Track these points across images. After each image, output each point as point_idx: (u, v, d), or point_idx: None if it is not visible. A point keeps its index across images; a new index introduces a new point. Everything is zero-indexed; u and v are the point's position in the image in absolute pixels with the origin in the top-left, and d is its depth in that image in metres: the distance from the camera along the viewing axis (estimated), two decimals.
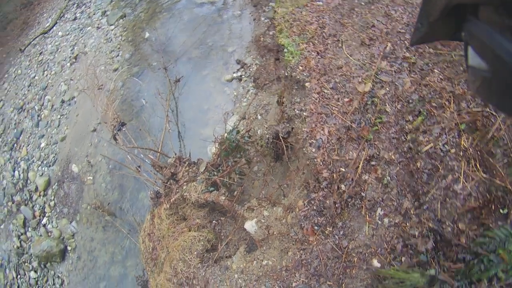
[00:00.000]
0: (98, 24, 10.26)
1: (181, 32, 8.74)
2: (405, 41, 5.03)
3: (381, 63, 4.79)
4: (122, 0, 10.62)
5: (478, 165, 3.43)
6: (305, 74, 5.31)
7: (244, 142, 5.36)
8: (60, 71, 9.93)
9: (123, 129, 6.78)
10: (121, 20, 9.95)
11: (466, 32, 0.66)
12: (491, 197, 3.27)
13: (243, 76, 7.17)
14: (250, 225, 4.37)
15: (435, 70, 4.45)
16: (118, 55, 9.10)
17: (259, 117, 6.18)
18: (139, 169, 6.56)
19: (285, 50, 5.91)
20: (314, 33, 5.75)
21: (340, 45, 5.37)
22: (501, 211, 3.21)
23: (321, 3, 6.23)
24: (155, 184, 6.12)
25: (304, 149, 4.60)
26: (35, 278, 8.28)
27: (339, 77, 4.95)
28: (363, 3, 5.84)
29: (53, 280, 8.05)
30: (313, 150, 4.50)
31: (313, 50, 5.56)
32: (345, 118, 4.48)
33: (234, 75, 7.26)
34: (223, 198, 4.78)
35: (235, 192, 4.99)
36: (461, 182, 3.43)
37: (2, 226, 9.13)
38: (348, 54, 5.18)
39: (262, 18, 7.67)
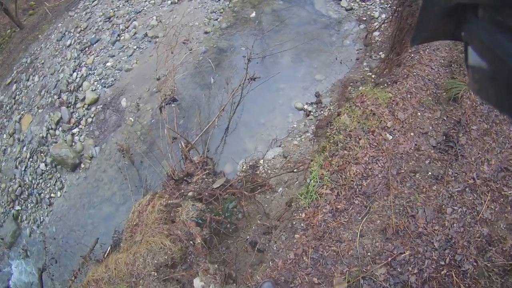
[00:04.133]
0: None
1: (285, 31, 8.72)
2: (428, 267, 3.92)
3: (378, 270, 3.92)
4: None
5: None
6: (302, 225, 4.47)
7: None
8: (159, 4, 10.34)
9: (172, 104, 7.09)
10: None
11: (466, 32, 0.68)
12: None
13: (312, 113, 7.11)
14: (197, 282, 4.69)
15: None
16: (216, 19, 9.31)
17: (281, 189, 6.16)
18: (172, 141, 6.96)
19: (309, 180, 4.80)
20: (349, 180, 4.52)
21: (362, 215, 4.33)
22: None
23: (390, 137, 4.79)
24: (174, 169, 6.44)
25: None
26: (42, 170, 9.10)
27: (329, 252, 4.19)
28: (429, 173, 4.48)
29: (56, 181, 8.87)
30: None
31: (331, 203, 4.44)
32: None
33: (306, 106, 7.23)
34: (199, 240, 5.07)
35: (214, 242, 5.31)
36: None
37: (40, 111, 9.96)
38: (360, 233, 4.23)
39: (364, 63, 7.54)
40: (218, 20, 9.33)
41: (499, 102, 0.61)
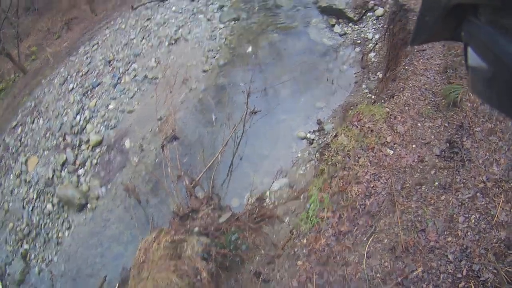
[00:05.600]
0: (211, 17, 10.93)
1: (281, 62, 9.10)
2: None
3: None
4: (244, 1, 11.13)
5: None
6: (303, 252, 4.41)
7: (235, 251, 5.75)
8: (157, 46, 10.82)
9: (174, 143, 7.41)
10: (232, 22, 10.54)
11: (465, 32, 0.69)
12: None
13: (315, 141, 7.32)
14: None
15: None
16: (214, 58, 9.73)
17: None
18: (177, 179, 7.25)
19: (308, 205, 4.83)
20: (352, 201, 4.48)
21: (368, 235, 4.24)
22: None
23: (391, 152, 4.78)
24: (179, 206, 6.70)
25: None
26: (49, 210, 9.34)
27: (335, 277, 4.09)
28: (436, 184, 4.39)
29: (63, 221, 9.05)
30: None
31: (333, 226, 4.41)
32: None
33: (308, 135, 7.45)
34: (205, 275, 5.23)
35: (220, 275, 5.44)
36: None
37: (45, 153, 10.28)
38: (367, 254, 4.10)
39: (364, 86, 7.83)
40: (216, 58, 9.73)
41: (499, 102, 0.63)
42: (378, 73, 7.88)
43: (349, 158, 4.90)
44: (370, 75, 8.01)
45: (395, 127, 5.04)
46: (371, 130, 5.04)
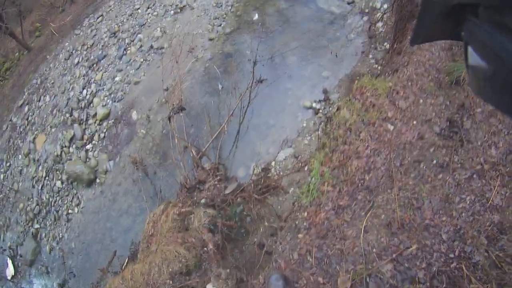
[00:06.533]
0: None
1: (288, 30, 8.86)
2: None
3: (384, 266, 3.79)
4: None
5: None
6: (304, 225, 4.43)
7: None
8: (162, 15, 10.61)
9: (181, 113, 7.28)
10: None
11: (466, 32, 0.69)
12: None
13: (321, 111, 7.18)
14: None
15: None
16: (220, 25, 9.50)
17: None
18: (184, 150, 7.15)
19: (309, 179, 4.80)
20: (351, 175, 4.47)
21: (366, 210, 4.27)
22: None
23: (392, 128, 4.73)
24: (186, 177, 6.60)
25: None
26: (59, 188, 9.38)
27: (334, 250, 4.10)
28: (434, 162, 4.40)
29: (72, 197, 9.11)
30: None
31: (333, 200, 4.40)
32: None
33: (314, 104, 7.31)
34: (211, 246, 5.21)
35: (226, 247, 5.44)
36: None
37: (53, 130, 10.28)
38: (365, 229, 4.13)
39: (370, 56, 7.63)
40: (222, 26, 9.52)
41: (499, 102, 0.63)
42: (385, 43, 7.66)
43: (350, 132, 4.87)
44: (377, 45, 7.81)
45: (397, 103, 4.97)
46: (373, 105, 4.95)
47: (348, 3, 8.86)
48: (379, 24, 8.12)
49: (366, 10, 8.58)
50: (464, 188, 4.12)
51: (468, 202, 4.00)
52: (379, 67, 7.23)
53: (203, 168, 6.79)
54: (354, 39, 8.20)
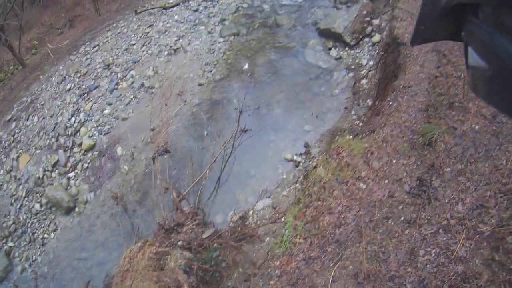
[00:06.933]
0: (211, 29, 11.09)
1: (276, 82, 9.24)
2: None
3: None
4: (245, 17, 11.28)
5: None
6: (276, 273, 4.84)
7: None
8: (156, 54, 11.00)
9: (165, 156, 7.65)
10: (232, 37, 10.68)
11: (466, 32, 0.70)
12: None
13: (301, 164, 7.47)
14: None
15: None
16: (210, 71, 9.90)
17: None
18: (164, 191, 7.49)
19: (283, 231, 5.33)
20: (323, 229, 4.90)
21: (335, 262, 4.61)
22: None
23: (364, 186, 5.14)
24: (165, 218, 6.94)
25: None
26: (37, 210, 9.51)
27: None
28: (402, 218, 4.70)
29: (50, 222, 9.22)
30: None
31: (304, 251, 4.83)
32: None
33: (295, 157, 7.61)
34: (186, 287, 5.48)
35: None
36: None
37: (38, 151, 10.47)
38: (333, 278, 4.48)
39: (353, 112, 7.96)
40: (212, 72, 9.89)
41: (498, 101, 0.64)
42: (368, 100, 8.01)
43: (324, 190, 5.30)
44: (360, 102, 8.14)
45: (370, 163, 5.36)
46: (348, 164, 5.39)
47: (335, 59, 9.25)
48: (364, 81, 8.47)
49: (352, 67, 8.94)
50: (429, 241, 4.37)
51: (433, 255, 4.25)
52: (360, 124, 7.51)
53: (182, 211, 7.05)
54: (338, 94, 8.55)
